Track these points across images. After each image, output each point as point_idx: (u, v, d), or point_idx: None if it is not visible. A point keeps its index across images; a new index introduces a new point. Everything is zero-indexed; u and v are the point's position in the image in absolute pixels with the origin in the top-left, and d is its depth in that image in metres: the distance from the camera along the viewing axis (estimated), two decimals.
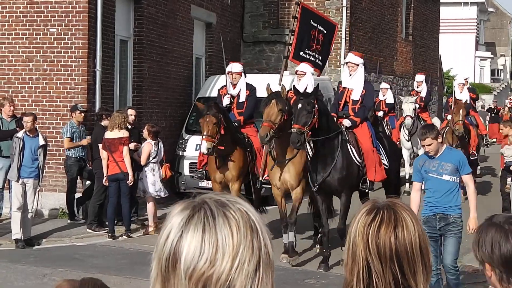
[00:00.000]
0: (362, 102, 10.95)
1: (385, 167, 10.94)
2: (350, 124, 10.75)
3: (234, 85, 12.20)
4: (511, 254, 2.68)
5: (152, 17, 16.65)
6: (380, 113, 18.48)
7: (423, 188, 8.51)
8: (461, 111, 16.09)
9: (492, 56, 63.45)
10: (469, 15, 59.47)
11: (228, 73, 12.32)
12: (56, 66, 14.44)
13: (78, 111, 13.51)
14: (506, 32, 68.96)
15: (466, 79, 20.29)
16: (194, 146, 15.23)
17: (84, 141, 13.31)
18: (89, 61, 14.35)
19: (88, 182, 13.76)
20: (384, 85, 19.98)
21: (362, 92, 10.94)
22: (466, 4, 58.66)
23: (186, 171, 15.74)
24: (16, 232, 11.76)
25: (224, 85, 12.48)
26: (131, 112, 13.49)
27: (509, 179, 14.44)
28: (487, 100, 46.15)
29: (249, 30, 22.05)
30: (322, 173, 10.29)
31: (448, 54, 49.47)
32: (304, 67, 11.60)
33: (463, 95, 18.21)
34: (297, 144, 9.81)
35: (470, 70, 58.27)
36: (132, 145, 12.76)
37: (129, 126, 12.93)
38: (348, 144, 10.52)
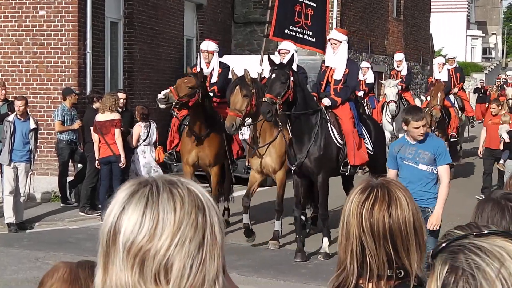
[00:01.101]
0: (345, 82, 10.34)
1: (369, 152, 10.40)
2: (330, 104, 10.12)
3: (208, 64, 11.57)
4: (507, 230, 2.67)
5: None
6: (360, 93, 17.57)
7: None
8: (439, 94, 15.46)
9: (483, 34, 63.44)
10: None
11: (201, 51, 11.70)
12: (46, 49, 14.35)
13: (74, 94, 13.45)
14: (497, 10, 68.91)
15: (453, 58, 19.82)
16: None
17: (76, 125, 13.25)
18: (79, 43, 14.27)
19: (80, 165, 13.73)
20: (364, 64, 19.11)
21: (345, 71, 10.34)
22: None
23: None
24: (9, 216, 11.73)
25: (195, 64, 11.87)
26: (121, 95, 13.43)
27: (501, 160, 14.44)
28: (478, 79, 46.20)
29: (240, 10, 21.95)
30: (299, 153, 9.74)
31: (440, 33, 49.40)
32: (287, 45, 10.84)
33: (442, 75, 17.70)
34: (267, 115, 9.14)
35: (462, 49, 58.28)
36: (117, 133, 12.61)
37: (120, 109, 12.85)
38: (328, 124, 9.95)
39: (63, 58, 14.28)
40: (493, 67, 49.41)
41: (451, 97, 17.72)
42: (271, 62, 9.58)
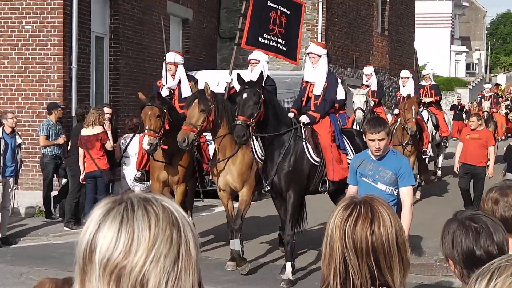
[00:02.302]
0: (324, 96, 9.92)
1: None
2: (308, 120, 9.69)
3: (173, 76, 11.07)
4: (470, 251, 2.69)
5: (128, 14, 16.58)
6: None
7: None
8: (413, 107, 14.81)
9: (467, 50, 63.90)
10: (444, 9, 59.86)
11: (166, 63, 11.09)
12: (32, 63, 14.33)
13: (59, 108, 13.43)
14: (480, 26, 69.50)
15: (427, 74, 19.24)
16: None
17: (60, 140, 13.22)
18: (64, 58, 14.26)
19: (64, 180, 13.68)
20: None
21: (324, 85, 9.92)
22: None
23: None
24: None
25: (160, 77, 11.31)
26: (107, 110, 13.42)
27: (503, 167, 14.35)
28: (462, 94, 46.46)
29: (226, 25, 22.01)
30: (270, 171, 9.32)
31: (424, 48, 49.78)
32: (257, 54, 10.36)
33: (406, 90, 16.84)
34: (242, 138, 8.71)
35: (446, 64, 58.69)
36: (108, 146, 12.57)
37: (105, 124, 12.82)
38: (303, 140, 9.52)
39: (49, 73, 14.26)
40: (477, 82, 49.71)
41: (425, 113, 17.34)
42: (240, 80, 9.18)
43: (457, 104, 32.32)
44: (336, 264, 2.37)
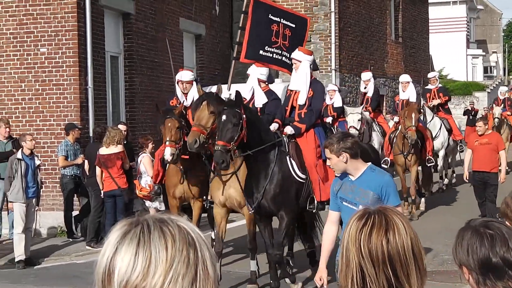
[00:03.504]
0: (310, 105, 9.31)
1: None
2: (293, 132, 9.11)
3: (186, 95, 10.77)
4: (486, 258, 2.69)
5: (141, 32, 16.69)
6: (329, 119, 15.63)
7: None
8: (413, 115, 14.11)
9: (484, 53, 63.57)
10: (458, 13, 59.64)
11: (178, 82, 10.92)
12: (48, 85, 14.46)
13: (76, 129, 13.53)
14: (496, 28, 69.15)
15: (434, 77, 18.53)
16: None
17: (79, 159, 13.31)
18: (80, 78, 14.38)
19: (85, 200, 13.75)
20: (331, 86, 17.08)
21: (309, 93, 9.32)
22: (455, 3, 58.83)
23: None
24: (20, 253, 11.78)
25: (174, 96, 11.06)
26: (122, 127, 13.49)
27: None
28: (480, 98, 46.20)
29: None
30: (256, 193, 8.78)
31: (440, 53, 49.65)
32: (299, 54, 9.62)
33: (406, 94, 16.24)
34: (222, 165, 8.25)
35: (463, 68, 58.43)
36: (126, 166, 12.58)
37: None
38: (287, 157, 8.97)
39: (65, 94, 14.38)
40: (495, 85, 49.38)
41: (437, 120, 16.79)
42: (220, 100, 8.73)
43: (470, 109, 31.68)
44: (353, 274, 2.37)
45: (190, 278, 1.51)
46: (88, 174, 13.01)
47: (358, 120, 15.39)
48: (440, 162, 16.51)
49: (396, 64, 27.55)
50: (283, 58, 10.88)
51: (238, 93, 8.65)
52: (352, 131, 14.82)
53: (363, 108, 15.95)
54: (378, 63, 26.13)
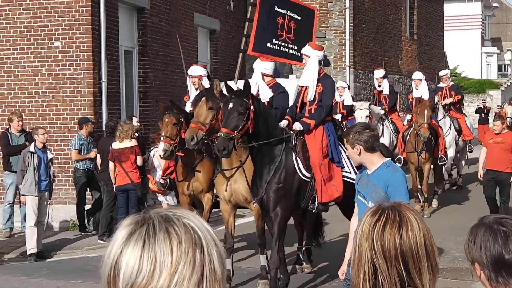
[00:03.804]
0: (320, 101, 9.14)
1: (353, 181, 8.68)
2: (302, 128, 8.94)
3: (197, 90, 10.52)
4: (499, 255, 2.69)
5: (156, 27, 16.70)
6: (338, 116, 15.53)
7: None
8: (426, 112, 14.06)
9: (498, 51, 63.26)
10: (473, 11, 59.37)
11: (189, 77, 10.89)
12: (62, 79, 14.49)
13: (90, 123, 13.56)
14: (511, 27, 68.76)
15: (445, 75, 18.30)
16: None
17: (92, 153, 13.34)
18: (94, 72, 14.40)
19: (97, 194, 13.79)
20: (340, 83, 16.76)
21: (319, 89, 9.13)
22: (470, 0, 58.57)
23: None
24: (32, 247, 11.83)
25: (187, 92, 11.04)
26: (134, 120, 13.50)
27: None
28: (494, 96, 45.98)
29: None
30: (259, 187, 8.66)
31: (454, 51, 49.44)
32: (308, 49, 9.45)
33: (419, 92, 16.06)
34: (223, 152, 8.08)
35: (477, 66, 58.18)
36: (139, 160, 12.57)
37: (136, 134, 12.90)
38: (293, 154, 8.80)
39: (79, 88, 14.41)
40: (509, 84, 49.17)
41: (447, 119, 16.62)
42: (228, 89, 8.53)
43: (482, 107, 31.40)
44: (365, 270, 2.38)
45: (196, 280, 1.49)
46: (100, 168, 13.04)
47: (366, 116, 15.26)
48: (448, 162, 16.23)
49: (410, 61, 27.45)
50: (290, 50, 10.72)
51: (247, 82, 8.56)
52: None
53: (373, 103, 15.80)
54: (392, 60, 26.04)
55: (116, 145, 12.44)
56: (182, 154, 9.90)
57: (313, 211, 9.03)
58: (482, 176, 13.22)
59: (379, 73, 17.00)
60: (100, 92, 14.52)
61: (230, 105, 8.19)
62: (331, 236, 11.61)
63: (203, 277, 1.50)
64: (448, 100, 17.59)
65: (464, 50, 55.25)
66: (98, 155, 13.13)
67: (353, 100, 17.18)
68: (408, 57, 27.44)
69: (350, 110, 16.50)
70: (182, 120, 9.74)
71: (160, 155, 9.78)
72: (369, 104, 15.88)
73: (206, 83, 10.67)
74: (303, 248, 10.23)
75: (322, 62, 9.40)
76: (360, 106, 15.62)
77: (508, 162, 12.80)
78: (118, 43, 15.44)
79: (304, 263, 10.21)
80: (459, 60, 52.83)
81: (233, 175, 9.15)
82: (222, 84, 8.84)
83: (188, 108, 10.50)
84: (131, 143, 12.38)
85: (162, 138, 9.70)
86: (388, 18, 25.75)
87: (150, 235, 1.51)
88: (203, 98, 9.11)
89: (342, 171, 9.09)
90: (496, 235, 2.70)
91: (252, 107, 8.25)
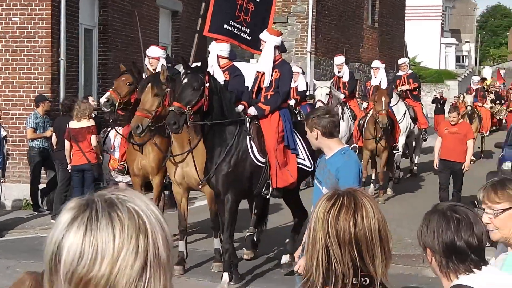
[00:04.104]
0: (277, 88, 8.99)
1: (307, 168, 9.07)
2: (256, 113, 8.81)
3: (154, 71, 10.31)
4: (451, 241, 2.73)
5: (117, 6, 16.50)
6: (292, 102, 15.00)
7: None
8: (383, 99, 14.04)
9: (457, 42, 64.06)
10: (434, 2, 59.96)
11: (147, 57, 10.71)
12: (19, 55, 14.24)
13: (47, 101, 13.36)
14: (470, 19, 69.65)
15: (404, 63, 18.21)
16: None
17: (48, 132, 13.15)
18: (52, 50, 14.18)
19: (52, 173, 13.62)
20: (295, 68, 16.08)
21: (276, 75, 8.99)
22: None
23: None
24: None
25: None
26: (90, 100, 13.36)
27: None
28: (452, 86, 46.57)
29: None
30: (209, 168, 8.55)
31: (414, 41, 49.87)
32: (265, 35, 9.31)
33: (377, 80, 16.04)
34: (173, 126, 7.90)
35: (436, 56, 58.84)
36: (93, 141, 12.36)
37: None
38: (248, 138, 8.66)
39: (36, 65, 14.18)
40: (466, 75, 49.83)
41: (402, 106, 16.54)
42: (185, 64, 8.44)
43: (438, 97, 31.72)
44: (319, 254, 2.38)
45: (139, 267, 1.46)
46: (56, 147, 12.87)
47: (326, 94, 15.12)
48: (400, 149, 16.10)
49: (371, 49, 27.61)
50: (242, 33, 10.50)
51: (205, 60, 8.48)
52: (319, 105, 14.55)
53: (330, 83, 15.68)
54: (354, 48, 26.17)
55: (73, 124, 12.27)
56: (122, 113, 9.97)
57: (267, 196, 8.91)
58: (437, 166, 13.31)
59: (339, 59, 16.90)
60: (58, 71, 14.31)
61: (185, 80, 8.08)
62: (285, 221, 11.65)
63: (146, 263, 1.48)
64: (405, 87, 17.62)
65: (424, 40, 55.80)
66: (54, 134, 12.94)
67: (307, 87, 17.14)
68: (369, 45, 27.59)
69: (304, 96, 16.40)
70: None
71: (132, 131, 9.39)
72: (331, 83, 15.77)
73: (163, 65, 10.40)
74: (247, 235, 10.18)
75: (279, 48, 9.26)
76: (321, 85, 15.49)
77: (463, 152, 12.88)
78: (78, 21, 15.22)
79: (245, 249, 10.19)
80: (418, 50, 53.36)
81: (185, 158, 9.07)
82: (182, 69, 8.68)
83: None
84: (88, 123, 12.23)
85: (110, 89, 9.58)
86: (351, 5, 25.85)
87: (92, 221, 1.47)
88: (149, 85, 8.96)
89: (297, 158, 9.02)
90: (449, 222, 2.74)
91: (207, 84, 8.13)
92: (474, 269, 2.74)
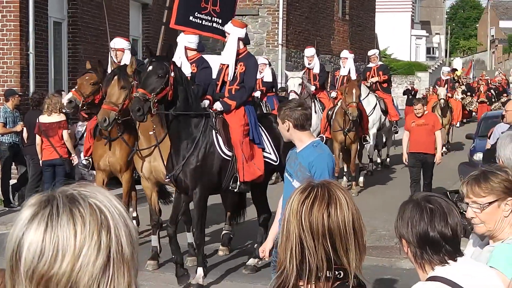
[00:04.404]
0: (242, 82, 8.85)
1: (273, 162, 9.02)
2: (222, 108, 8.67)
3: (119, 63, 10.19)
4: (425, 232, 2.72)
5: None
6: (257, 93, 15.02)
7: None
8: (354, 91, 13.80)
9: (427, 34, 64.53)
10: None
11: (111, 49, 10.60)
12: None
13: (16, 95, 13.19)
14: (440, 10, 70.16)
15: (373, 54, 18.29)
16: None
17: (18, 127, 12.99)
18: (21, 43, 14.03)
19: (23, 168, 13.48)
20: (261, 60, 16.01)
21: (241, 68, 8.85)
22: None
23: None
24: None
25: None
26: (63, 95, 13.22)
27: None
28: (423, 78, 46.92)
29: None
30: (175, 163, 8.37)
31: (385, 33, 50.12)
32: (229, 27, 9.12)
33: (346, 70, 16.07)
34: (137, 113, 7.72)
35: (406, 48, 59.18)
36: (65, 135, 12.23)
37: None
38: (213, 132, 8.53)
39: (5, 59, 14.02)
40: (437, 66, 50.23)
41: (372, 98, 16.50)
42: (150, 52, 8.41)
43: (410, 89, 31.86)
44: (292, 246, 2.37)
45: (101, 263, 1.44)
46: (26, 142, 12.74)
47: (299, 84, 14.94)
48: (371, 141, 16.16)
49: (342, 41, 27.68)
50: (214, 24, 10.34)
51: (170, 48, 8.44)
52: (292, 95, 14.55)
53: (302, 74, 15.55)
54: (325, 40, 26.21)
55: (43, 118, 12.14)
56: (86, 116, 9.75)
57: (235, 190, 8.79)
58: (406, 160, 13.27)
59: (309, 51, 16.77)
60: (27, 64, 14.16)
61: (150, 67, 7.97)
62: (254, 215, 11.64)
63: (109, 260, 1.45)
64: (374, 79, 17.58)
65: (395, 32, 56.10)
66: (25, 129, 12.81)
67: (275, 78, 17.07)
68: (340, 37, 27.67)
69: (270, 87, 16.26)
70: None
71: (99, 125, 9.16)
72: (303, 73, 15.64)
73: (127, 57, 10.34)
74: (223, 233, 10.14)
75: (243, 40, 9.06)
76: (293, 75, 15.34)
77: (432, 143, 12.85)
78: (47, 14, 15.07)
79: (221, 246, 10.15)
80: (389, 41, 53.63)
81: (152, 152, 9.00)
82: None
83: None
84: (59, 117, 12.10)
85: (73, 89, 9.28)
86: None
87: (53, 218, 1.45)
88: (115, 77, 8.81)
89: (263, 151, 8.94)
90: (422, 212, 2.74)
91: (173, 73, 8.00)
92: (449, 260, 2.74)
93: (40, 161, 12.26)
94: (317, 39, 25.02)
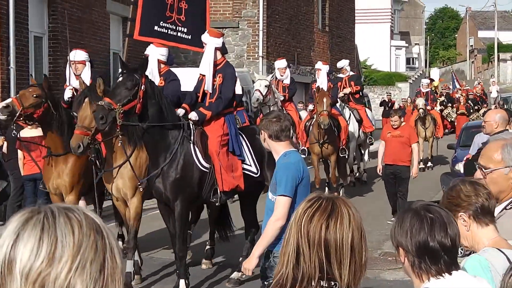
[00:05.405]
0: (220, 93, 8.76)
1: (253, 175, 8.92)
2: (197, 118, 8.54)
3: (78, 77, 9.91)
4: (424, 241, 2.72)
5: (67, 13, 16.31)
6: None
7: None
8: (325, 100, 13.64)
9: (406, 45, 65.00)
10: (383, 5, 60.71)
11: (70, 62, 10.19)
12: None
13: None
14: (419, 21, 70.75)
15: (342, 67, 18.07)
16: None
17: None
18: (2, 58, 13.98)
19: (4, 183, 13.38)
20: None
21: (219, 80, 8.78)
22: None
23: None
24: None
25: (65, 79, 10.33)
26: None
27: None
28: (403, 88, 47.20)
29: None
30: (151, 171, 8.32)
31: (365, 44, 50.41)
32: (206, 37, 9.00)
33: (319, 82, 15.50)
34: (100, 121, 7.54)
35: (386, 59, 59.58)
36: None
37: None
38: (190, 143, 8.41)
39: None
40: (417, 77, 50.59)
41: (346, 110, 16.30)
42: (122, 64, 8.27)
43: (386, 100, 31.81)
44: (290, 251, 2.41)
45: (99, 265, 1.44)
46: (7, 156, 12.66)
47: (266, 86, 14.52)
48: (350, 153, 15.93)
49: (322, 53, 27.82)
50: (179, 33, 10.18)
51: (145, 61, 8.37)
52: (257, 94, 14.31)
53: (270, 78, 15.33)
54: (305, 52, 26.34)
55: (24, 133, 12.07)
56: (24, 125, 9.54)
57: (217, 204, 8.70)
58: (381, 171, 13.17)
59: (281, 63, 16.36)
60: (8, 79, 14.12)
61: (120, 78, 7.94)
62: (239, 227, 11.62)
63: (105, 263, 1.46)
64: (347, 90, 17.39)
65: (374, 43, 56.45)
66: (5, 143, 12.72)
67: (243, 91, 16.90)
68: (320, 49, 27.80)
69: (239, 101, 16.16)
70: (47, 100, 8.64)
71: (73, 151, 8.56)
72: (271, 78, 15.41)
73: (87, 70, 10.13)
74: (206, 248, 10.06)
75: (220, 50, 8.98)
76: (261, 77, 15.12)
77: (407, 155, 12.63)
78: (28, 28, 15.04)
79: (204, 259, 10.04)
80: (369, 52, 53.97)
81: (117, 171, 8.75)
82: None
83: (67, 94, 10.07)
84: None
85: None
86: (301, 9, 26.02)
87: (49, 219, 1.45)
88: (86, 100, 8.41)
89: (243, 163, 8.85)
90: (422, 222, 2.73)
91: (143, 87, 7.85)
92: (445, 273, 2.73)
93: (22, 175, 12.18)
94: (297, 50, 25.14)
